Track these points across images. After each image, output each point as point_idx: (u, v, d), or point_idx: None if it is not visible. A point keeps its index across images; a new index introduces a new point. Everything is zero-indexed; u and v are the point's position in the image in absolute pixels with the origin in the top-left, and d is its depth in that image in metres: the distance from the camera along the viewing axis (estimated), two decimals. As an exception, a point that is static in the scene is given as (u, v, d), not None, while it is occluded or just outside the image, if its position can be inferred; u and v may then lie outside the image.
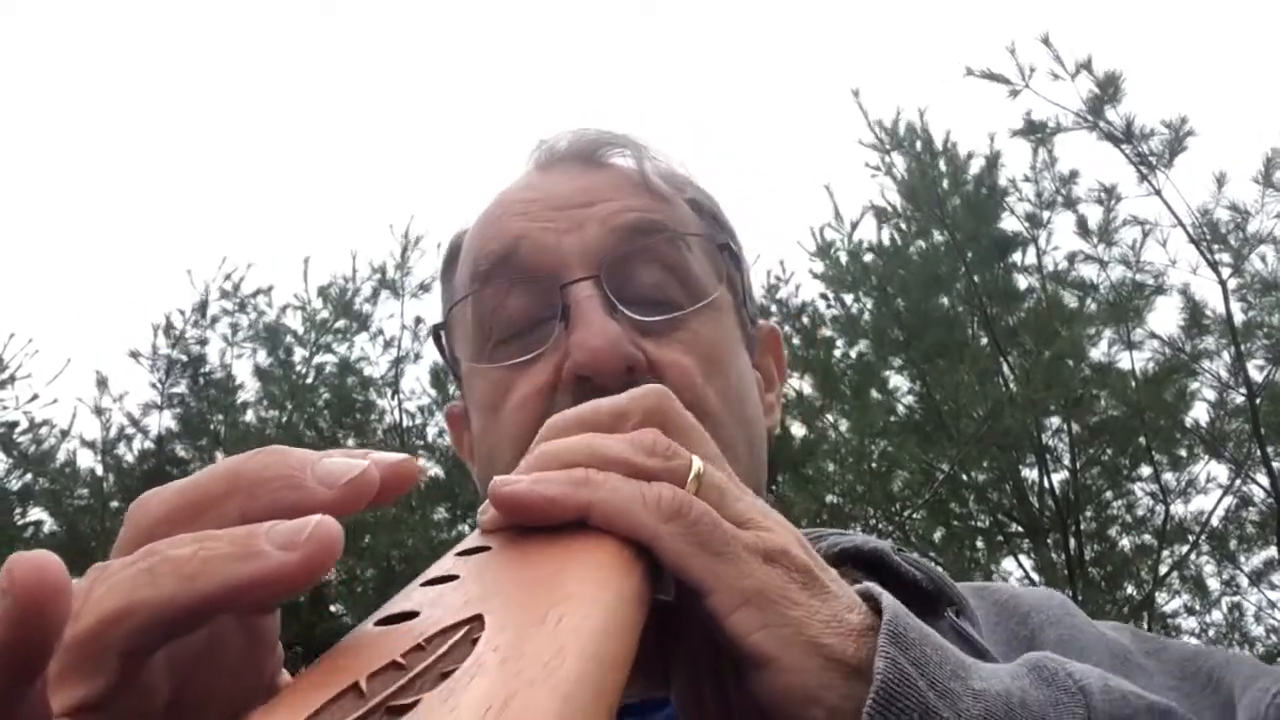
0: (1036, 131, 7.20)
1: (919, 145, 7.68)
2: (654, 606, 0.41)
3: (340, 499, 0.35)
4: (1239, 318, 7.06)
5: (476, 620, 0.32)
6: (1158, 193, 6.95)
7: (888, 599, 0.44)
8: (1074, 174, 7.39)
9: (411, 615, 0.33)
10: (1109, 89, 6.78)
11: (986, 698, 0.42)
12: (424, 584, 0.36)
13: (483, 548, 0.40)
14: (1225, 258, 7.02)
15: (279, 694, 0.29)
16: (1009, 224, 7.65)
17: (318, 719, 0.27)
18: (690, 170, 0.82)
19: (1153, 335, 7.21)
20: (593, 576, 0.37)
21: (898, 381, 7.59)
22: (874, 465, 6.86)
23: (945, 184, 7.56)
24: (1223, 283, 6.96)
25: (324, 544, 0.32)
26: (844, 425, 7.09)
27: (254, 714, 0.28)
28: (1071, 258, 7.50)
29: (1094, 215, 7.38)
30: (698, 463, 0.45)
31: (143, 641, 0.32)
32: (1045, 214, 7.55)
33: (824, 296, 7.82)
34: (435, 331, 0.83)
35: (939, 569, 0.68)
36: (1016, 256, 7.67)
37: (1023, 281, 7.70)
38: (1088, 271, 7.42)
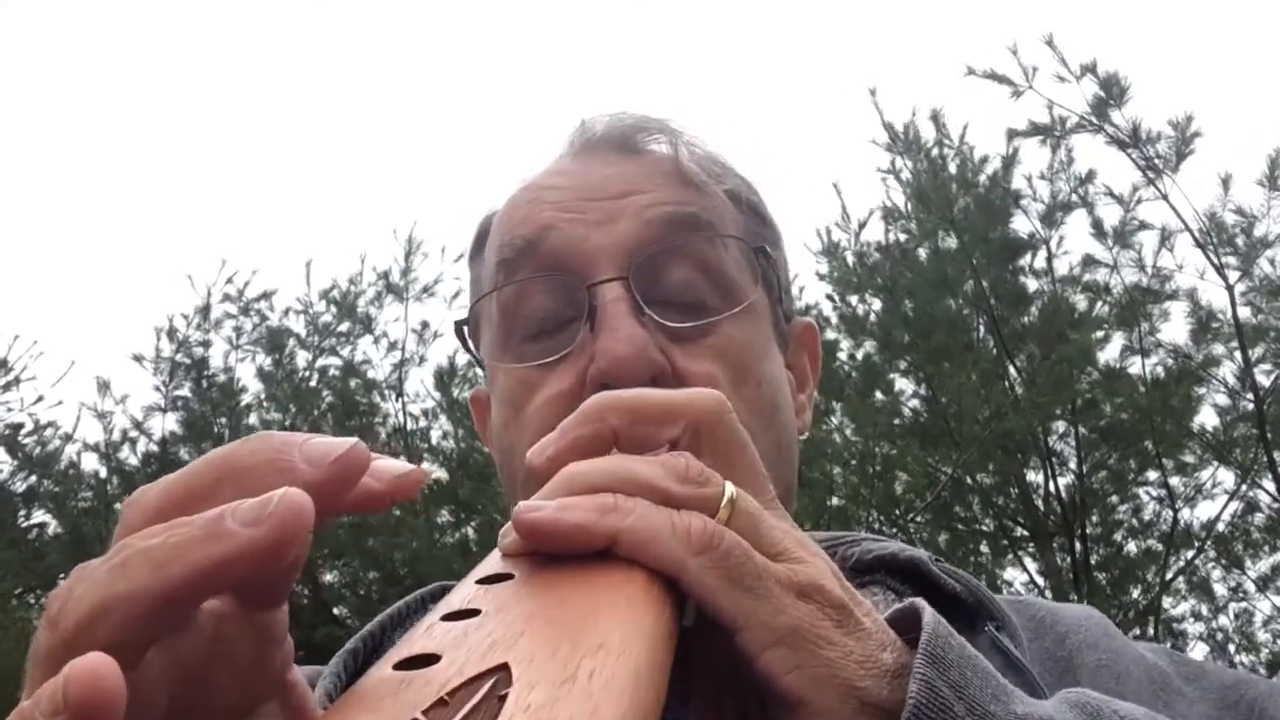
0: (1040, 134, 7.17)
1: (930, 145, 7.65)
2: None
3: (329, 478, 0.35)
4: (1248, 322, 7.03)
5: (503, 671, 0.30)
6: (1164, 197, 6.92)
7: (929, 616, 0.43)
8: (1090, 174, 7.34)
9: (433, 659, 0.31)
10: (1113, 91, 6.75)
11: None
12: (444, 617, 0.34)
13: (505, 575, 0.38)
14: (1233, 261, 7.00)
15: None
16: (1020, 225, 7.61)
17: None
18: (731, 159, 0.79)
19: (1159, 344, 7.18)
20: (624, 618, 0.35)
21: (903, 384, 7.57)
22: (878, 468, 6.84)
23: (955, 186, 7.52)
24: (1229, 287, 6.93)
25: (290, 516, 0.31)
26: (848, 428, 7.07)
27: None
28: (1084, 261, 7.45)
29: (1109, 217, 7.35)
30: (730, 489, 0.43)
31: (125, 637, 0.31)
32: (1059, 215, 7.50)
33: (830, 298, 7.80)
34: (459, 327, 0.80)
35: (978, 581, 0.66)
36: (1025, 259, 7.63)
37: (1032, 284, 7.66)
38: (1100, 275, 7.38)
